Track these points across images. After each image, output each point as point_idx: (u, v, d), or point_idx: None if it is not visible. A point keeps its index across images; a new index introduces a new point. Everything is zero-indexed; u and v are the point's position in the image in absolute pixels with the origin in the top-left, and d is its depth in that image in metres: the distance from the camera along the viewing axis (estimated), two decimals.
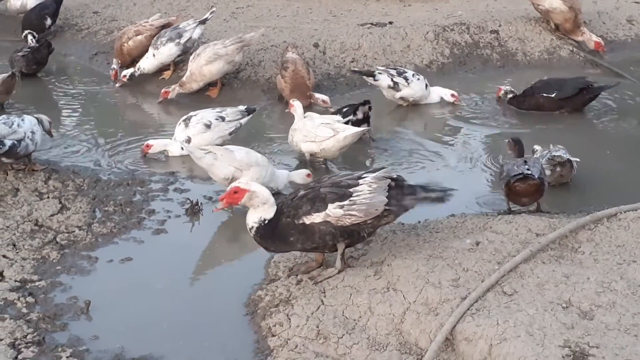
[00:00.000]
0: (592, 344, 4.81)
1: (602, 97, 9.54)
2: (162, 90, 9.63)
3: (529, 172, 6.58)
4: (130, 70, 10.23)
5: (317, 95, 9.45)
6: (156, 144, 8.27)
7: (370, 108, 8.61)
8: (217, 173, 7.15)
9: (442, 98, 9.71)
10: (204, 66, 9.62)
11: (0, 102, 9.49)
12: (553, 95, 9.22)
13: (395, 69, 9.62)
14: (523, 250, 5.77)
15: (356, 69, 9.89)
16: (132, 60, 10.60)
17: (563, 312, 5.12)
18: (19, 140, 7.41)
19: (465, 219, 6.48)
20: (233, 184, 5.63)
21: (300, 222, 5.53)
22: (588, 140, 8.75)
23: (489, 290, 5.36)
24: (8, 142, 7.33)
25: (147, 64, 10.22)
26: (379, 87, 9.55)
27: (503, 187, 6.79)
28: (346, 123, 8.25)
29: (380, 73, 9.46)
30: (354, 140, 7.86)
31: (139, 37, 10.46)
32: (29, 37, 11.13)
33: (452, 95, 9.66)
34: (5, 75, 9.50)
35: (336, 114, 8.56)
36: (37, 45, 10.85)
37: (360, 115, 8.62)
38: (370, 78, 9.48)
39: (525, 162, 6.77)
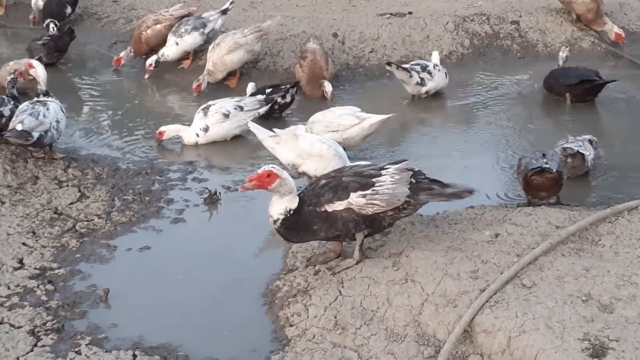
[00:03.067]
0: (612, 338, 4.79)
1: (625, 89, 9.46)
2: (194, 85, 9.62)
3: (547, 165, 6.53)
4: (154, 57, 10.18)
5: (325, 83, 9.40)
6: (168, 130, 8.29)
7: (297, 92, 8.89)
8: (278, 157, 7.11)
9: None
10: (225, 55, 9.65)
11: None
12: (560, 80, 9.27)
13: (418, 64, 9.43)
14: (543, 243, 5.74)
15: (393, 62, 9.41)
16: (150, 49, 10.59)
17: (583, 305, 5.09)
18: (46, 131, 7.47)
19: (484, 211, 6.46)
20: (266, 167, 5.52)
21: (323, 209, 5.53)
22: (610, 132, 8.68)
23: (508, 283, 5.34)
24: (35, 135, 7.40)
25: (172, 52, 10.21)
26: (405, 82, 9.36)
27: (521, 181, 6.75)
28: (273, 104, 8.61)
29: (411, 70, 9.28)
30: (378, 127, 7.83)
31: (158, 26, 10.46)
32: (51, 25, 11.14)
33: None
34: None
35: (257, 94, 8.74)
36: (59, 33, 10.87)
37: (288, 98, 8.90)
38: (407, 74, 9.21)
39: (543, 155, 6.72)
